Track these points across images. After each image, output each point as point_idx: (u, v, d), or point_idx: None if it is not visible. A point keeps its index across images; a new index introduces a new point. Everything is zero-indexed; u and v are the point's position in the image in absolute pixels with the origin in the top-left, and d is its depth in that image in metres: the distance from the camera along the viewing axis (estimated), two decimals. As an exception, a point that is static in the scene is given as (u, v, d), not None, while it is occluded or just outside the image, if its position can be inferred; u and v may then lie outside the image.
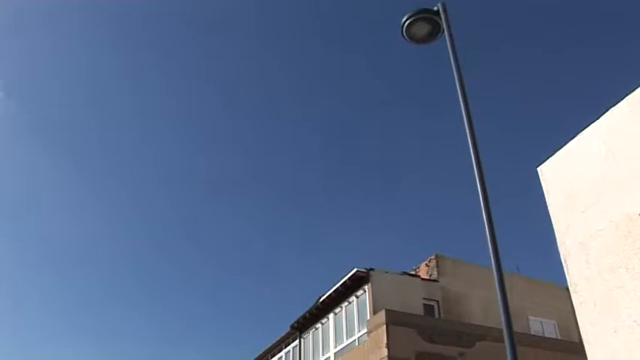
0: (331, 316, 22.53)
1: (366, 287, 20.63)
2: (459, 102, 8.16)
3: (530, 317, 22.55)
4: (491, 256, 6.19)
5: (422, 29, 8.71)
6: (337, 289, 21.79)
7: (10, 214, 73.33)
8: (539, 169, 5.48)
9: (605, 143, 4.74)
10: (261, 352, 28.54)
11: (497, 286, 6.06)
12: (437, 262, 22.86)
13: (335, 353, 21.81)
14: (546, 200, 5.33)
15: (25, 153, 72.86)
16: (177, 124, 72.08)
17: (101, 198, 74.69)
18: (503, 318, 5.76)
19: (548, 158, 5.42)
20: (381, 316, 18.75)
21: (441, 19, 8.50)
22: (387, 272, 21.31)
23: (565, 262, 5.00)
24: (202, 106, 71.93)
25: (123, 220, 79.51)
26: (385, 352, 18.09)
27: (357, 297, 21.04)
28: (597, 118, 4.89)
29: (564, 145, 5.26)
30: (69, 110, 73.68)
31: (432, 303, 21.74)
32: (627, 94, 4.58)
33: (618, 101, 4.67)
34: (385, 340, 18.25)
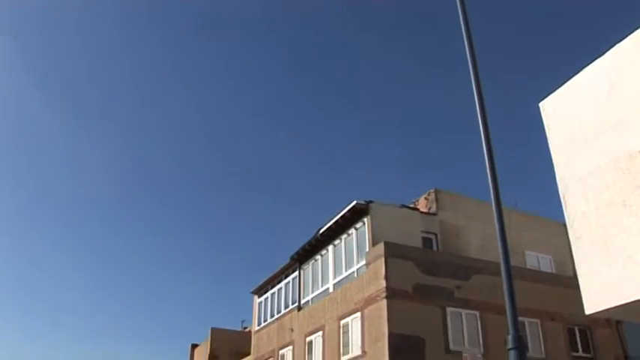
0: (330, 247, 22.76)
1: (365, 220, 20.76)
2: (462, 38, 8.06)
3: (527, 252, 22.82)
4: (491, 190, 6.23)
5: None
6: (337, 221, 21.93)
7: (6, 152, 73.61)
8: (541, 104, 5.45)
9: (609, 79, 4.70)
10: (261, 283, 28.87)
11: (495, 220, 6.12)
12: (436, 195, 22.94)
13: (334, 284, 22.14)
14: (547, 136, 5.32)
15: (17, 90, 72.53)
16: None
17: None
18: (500, 251, 5.84)
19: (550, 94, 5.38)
20: (380, 248, 18.95)
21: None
22: (386, 205, 21.39)
23: (563, 197, 5.03)
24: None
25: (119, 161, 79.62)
26: (383, 283, 18.36)
27: (357, 229, 21.21)
28: (602, 55, 4.83)
29: (567, 80, 5.21)
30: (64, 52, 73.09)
31: (430, 236, 21.93)
32: (633, 31, 4.52)
33: (623, 38, 4.61)
34: (383, 272, 18.50)
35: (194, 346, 42.92)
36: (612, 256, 4.36)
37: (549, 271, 22.72)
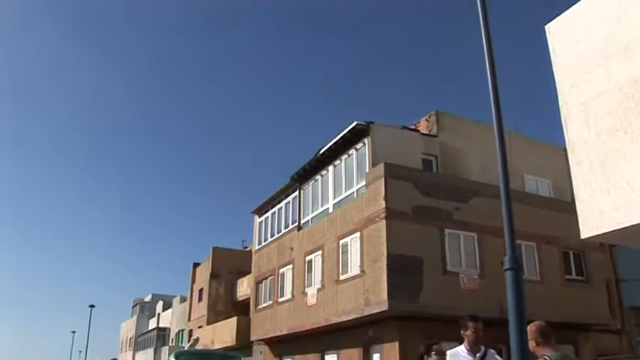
0: (330, 168, 22.81)
1: (365, 140, 20.71)
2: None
3: (526, 176, 22.87)
4: (493, 112, 6.19)
5: None
6: (337, 141, 21.88)
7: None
8: (547, 26, 5.35)
9: (620, 3, 4.59)
10: (261, 203, 29.09)
11: (496, 141, 6.10)
12: (437, 117, 22.81)
13: (334, 204, 22.30)
14: (551, 60, 5.25)
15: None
16: None
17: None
18: (500, 174, 5.85)
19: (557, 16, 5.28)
20: (380, 169, 18.99)
21: None
22: (386, 126, 21.28)
23: (565, 122, 5.01)
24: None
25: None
26: (383, 204, 18.50)
27: (357, 150, 21.19)
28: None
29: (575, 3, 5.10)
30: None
31: (430, 158, 21.93)
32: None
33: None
34: (383, 193, 18.61)
35: (196, 265, 43.71)
36: (611, 182, 4.38)
37: (547, 195, 22.85)
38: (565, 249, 21.29)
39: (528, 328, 4.85)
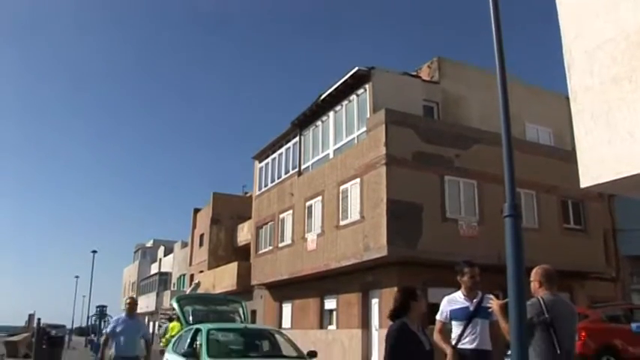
0: (331, 114, 22.70)
1: (366, 86, 20.56)
2: None
3: (527, 124, 22.77)
4: (496, 57, 6.09)
5: None
6: (338, 87, 21.71)
7: None
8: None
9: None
10: (262, 149, 29.04)
11: (499, 88, 6.02)
12: (439, 64, 22.60)
13: (334, 150, 22.29)
14: (557, 7, 5.17)
15: None
16: None
17: None
18: (502, 121, 5.80)
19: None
20: (381, 115, 18.90)
21: None
22: (388, 72, 21.10)
23: (568, 70, 4.96)
24: None
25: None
26: (383, 150, 18.48)
27: (358, 96, 21.06)
28: None
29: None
30: None
31: (431, 105, 21.81)
32: None
33: None
34: (384, 139, 18.57)
35: (196, 211, 43.91)
36: (612, 132, 4.35)
37: (548, 144, 22.80)
38: (564, 198, 21.37)
39: (535, 269, 4.91)
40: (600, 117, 4.48)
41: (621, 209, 23.01)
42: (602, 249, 22.39)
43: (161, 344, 15.36)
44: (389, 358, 4.76)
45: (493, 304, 5.15)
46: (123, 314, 9.46)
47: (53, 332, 11.46)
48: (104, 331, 9.66)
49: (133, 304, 9.42)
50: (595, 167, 4.46)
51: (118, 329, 9.03)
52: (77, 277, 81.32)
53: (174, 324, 14.18)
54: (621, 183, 4.38)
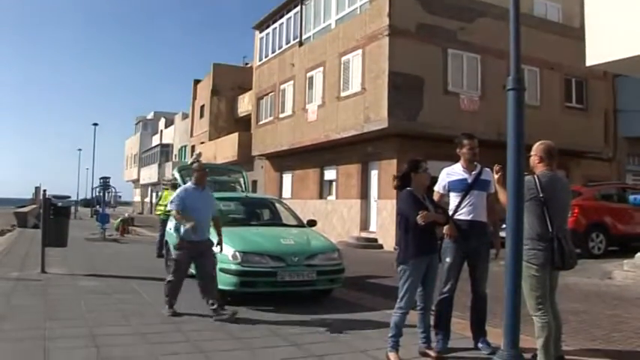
0: (334, -18, 22.10)
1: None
2: None
3: (535, -1, 22.13)
4: None
5: None
6: (342, -46, 21.02)
7: None
8: None
9: None
10: (262, 18, 28.36)
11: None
12: None
13: (336, 20, 21.84)
14: None
15: None
16: None
17: None
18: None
19: None
20: (385, -16, 18.42)
21: None
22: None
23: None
24: None
25: None
26: (386, 21, 18.14)
27: (362, -36, 20.40)
28: None
29: None
30: None
31: (437, -26, 21.13)
32: None
33: None
34: (387, 9, 18.19)
35: (196, 82, 43.53)
36: (624, 9, 4.28)
37: (556, 20, 22.22)
38: (567, 76, 21.23)
39: (536, 144, 4.96)
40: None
41: (624, 90, 22.86)
42: (601, 129, 22.48)
43: (157, 212, 15.81)
44: (406, 211, 5.07)
45: (495, 175, 5.21)
46: (189, 184, 7.48)
47: (59, 203, 11.59)
48: (170, 207, 7.30)
49: (202, 172, 7.39)
50: (603, 45, 4.41)
51: (188, 204, 7.11)
52: (80, 149, 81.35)
53: (168, 192, 14.58)
54: (629, 62, 4.36)
